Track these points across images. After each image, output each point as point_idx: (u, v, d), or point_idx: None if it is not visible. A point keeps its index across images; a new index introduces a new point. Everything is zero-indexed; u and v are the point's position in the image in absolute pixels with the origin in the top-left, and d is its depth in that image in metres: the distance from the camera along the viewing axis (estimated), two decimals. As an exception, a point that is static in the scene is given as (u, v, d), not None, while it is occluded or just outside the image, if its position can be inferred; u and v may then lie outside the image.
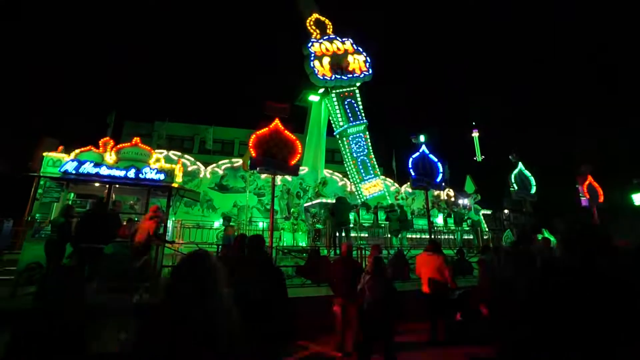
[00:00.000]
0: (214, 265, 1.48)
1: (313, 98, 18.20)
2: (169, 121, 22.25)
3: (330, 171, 18.26)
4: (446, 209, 16.64)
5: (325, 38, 17.31)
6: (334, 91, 16.65)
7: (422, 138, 10.57)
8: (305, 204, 14.65)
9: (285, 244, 11.71)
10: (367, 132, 16.91)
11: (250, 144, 8.09)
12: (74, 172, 8.09)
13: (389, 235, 12.53)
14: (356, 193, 16.31)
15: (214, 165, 15.52)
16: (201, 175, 14.92)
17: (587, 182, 13.97)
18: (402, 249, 10.43)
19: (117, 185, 8.76)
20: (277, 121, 8.47)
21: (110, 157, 8.47)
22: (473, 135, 41.88)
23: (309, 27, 17.63)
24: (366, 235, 12.98)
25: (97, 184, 8.65)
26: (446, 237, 14.57)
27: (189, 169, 14.70)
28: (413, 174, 9.96)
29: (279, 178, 15.10)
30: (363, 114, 16.89)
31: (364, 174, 16.34)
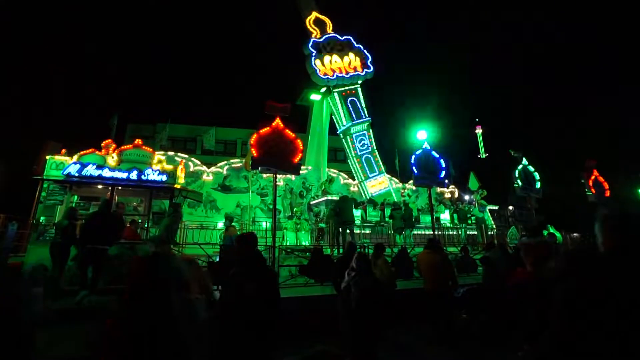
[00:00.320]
0: (176, 267, 1.40)
1: (315, 97, 18.19)
2: (171, 123, 22.33)
3: (333, 170, 18.24)
4: (452, 205, 16.53)
5: (325, 37, 17.27)
6: (336, 90, 16.61)
7: (424, 135, 10.49)
8: (312, 202, 14.65)
9: (288, 244, 11.69)
10: (371, 130, 16.87)
11: (252, 144, 8.08)
12: (76, 174, 8.13)
13: (392, 232, 12.46)
14: (361, 190, 16.28)
15: (217, 165, 15.57)
16: (204, 177, 14.97)
17: (592, 177, 13.80)
18: (405, 247, 10.37)
19: (120, 187, 8.80)
20: (278, 120, 8.45)
21: (112, 159, 8.50)
22: (477, 131, 41.55)
23: (309, 26, 17.60)
24: (369, 232, 12.92)
25: (100, 186, 8.69)
26: (450, 232, 14.47)
27: (192, 169, 14.77)
28: (416, 171, 9.88)
29: (281, 177, 15.13)
30: (366, 112, 16.85)
31: (368, 172, 16.32)
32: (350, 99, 16.76)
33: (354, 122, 16.50)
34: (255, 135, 8.13)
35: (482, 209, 16.51)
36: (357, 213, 12.01)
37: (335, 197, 13.25)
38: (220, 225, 12.78)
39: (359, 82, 17.13)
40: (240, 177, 15.43)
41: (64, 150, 8.59)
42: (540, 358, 1.43)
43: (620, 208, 1.60)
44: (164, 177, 8.74)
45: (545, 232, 13.81)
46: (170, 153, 14.73)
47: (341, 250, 9.61)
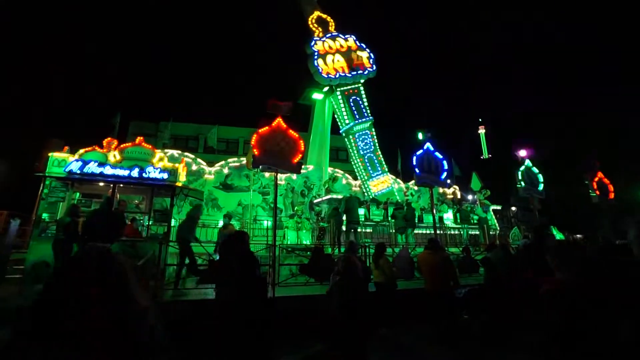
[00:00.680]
0: (120, 266, 1.20)
1: (317, 96, 18.15)
2: (173, 121, 22.40)
3: (335, 169, 18.22)
4: (454, 205, 16.47)
5: (327, 36, 17.21)
6: (338, 89, 16.56)
7: (423, 135, 10.43)
8: (315, 200, 14.65)
9: (289, 242, 11.69)
10: (373, 129, 16.81)
11: (253, 142, 8.07)
12: (78, 171, 8.16)
13: (393, 231, 12.43)
14: (364, 190, 16.24)
15: (219, 164, 15.59)
16: (206, 175, 14.99)
17: (596, 178, 13.68)
18: (407, 247, 10.33)
19: (121, 185, 8.82)
20: (279, 120, 8.44)
21: (114, 157, 8.52)
22: (480, 132, 41.36)
23: (311, 25, 17.55)
24: (370, 230, 12.89)
25: (101, 184, 8.71)
26: (452, 232, 14.41)
27: (194, 168, 14.79)
28: (417, 171, 9.83)
29: (283, 176, 15.12)
30: (369, 111, 16.79)
31: (371, 171, 16.27)
32: (352, 98, 16.70)
33: (356, 122, 16.45)
34: (255, 135, 8.12)
35: (486, 209, 16.42)
36: (360, 212, 12.03)
37: (338, 196, 13.26)
38: (222, 223, 12.83)
39: (362, 81, 17.07)
40: (242, 175, 15.44)
41: (66, 148, 8.62)
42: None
43: None
44: (165, 175, 8.75)
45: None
46: (175, 153, 14.75)
47: (342, 250, 9.59)
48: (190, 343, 3.52)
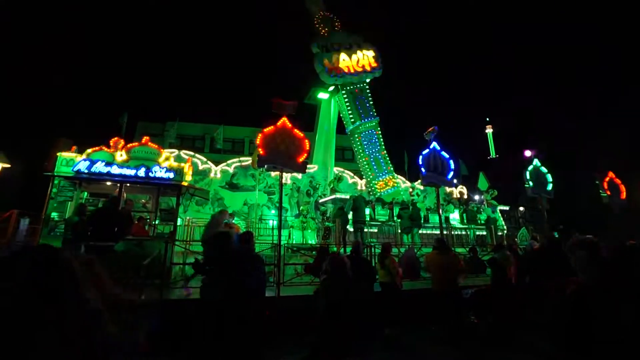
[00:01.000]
0: (68, 268, 1.06)
1: (322, 96, 18.10)
2: (180, 121, 22.57)
3: (341, 169, 18.16)
4: (461, 205, 16.31)
5: (333, 35, 17.16)
6: (344, 88, 16.50)
7: (428, 135, 10.34)
8: (320, 200, 14.63)
9: (294, 242, 11.69)
10: (379, 129, 16.71)
11: (258, 142, 8.07)
12: (86, 171, 8.25)
13: (399, 231, 12.35)
14: (369, 190, 16.17)
15: (224, 163, 15.66)
16: (212, 174, 15.07)
17: (607, 178, 13.41)
18: (413, 246, 10.26)
19: (128, 184, 8.89)
20: (284, 119, 8.43)
21: (120, 156, 8.60)
22: (487, 131, 40.91)
23: (317, 24, 17.52)
24: (375, 231, 12.84)
25: (108, 183, 8.80)
26: (459, 232, 14.27)
27: (200, 167, 14.88)
28: (423, 170, 9.75)
29: (288, 176, 15.12)
30: (374, 111, 16.70)
31: (377, 171, 16.16)
32: (358, 97, 16.62)
33: (362, 121, 16.37)
34: (260, 134, 8.13)
35: (493, 209, 16.24)
36: (365, 212, 11.99)
37: (343, 196, 13.24)
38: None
39: (367, 80, 16.98)
40: (248, 175, 15.48)
41: (74, 147, 8.73)
42: None
43: None
44: (171, 175, 8.81)
45: (556, 234, 13.52)
46: (182, 153, 14.86)
47: (348, 250, 9.56)
48: (190, 343, 3.53)
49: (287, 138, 8.33)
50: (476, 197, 18.60)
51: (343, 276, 3.29)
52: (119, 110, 13.04)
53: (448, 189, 18.09)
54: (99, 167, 8.30)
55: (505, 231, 15.86)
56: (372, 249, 8.69)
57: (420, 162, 9.89)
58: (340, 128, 17.67)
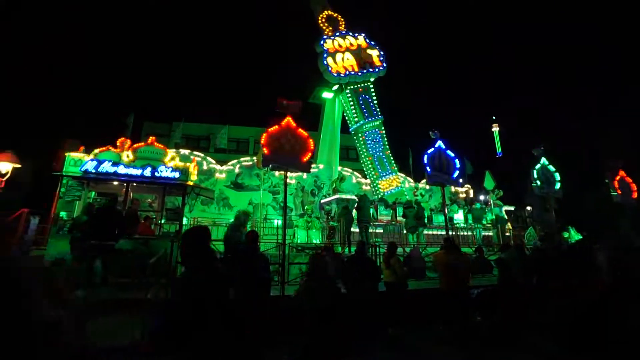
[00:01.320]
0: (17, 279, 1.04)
1: (327, 95, 18.10)
2: (185, 121, 22.74)
3: (346, 169, 18.14)
4: (466, 205, 16.16)
5: (337, 34, 17.14)
6: (348, 87, 16.47)
7: (437, 133, 10.25)
8: (322, 200, 14.63)
9: (299, 241, 11.70)
10: (383, 128, 16.64)
11: (262, 142, 8.10)
12: (93, 171, 8.37)
13: (405, 232, 12.29)
14: (373, 189, 16.11)
15: (229, 163, 15.76)
16: (217, 174, 15.17)
17: (618, 177, 13.18)
18: (418, 246, 10.20)
19: (135, 184, 8.99)
20: (288, 118, 8.44)
21: (127, 157, 8.70)
22: (493, 129, 40.47)
23: (321, 24, 17.51)
24: (381, 231, 12.79)
25: (115, 183, 8.91)
26: (465, 233, 14.14)
27: (205, 167, 14.99)
28: (428, 170, 9.68)
29: (293, 176, 15.14)
30: (378, 110, 16.63)
31: (380, 171, 16.09)
32: (362, 96, 16.57)
33: (366, 120, 16.30)
34: (265, 134, 8.15)
35: (500, 209, 16.07)
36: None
37: (346, 196, 13.22)
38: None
39: (372, 79, 16.91)
40: (253, 175, 15.56)
41: (82, 148, 8.86)
42: None
43: None
44: (176, 174, 8.89)
45: (565, 234, 13.32)
46: (185, 152, 14.99)
47: (353, 249, 9.54)
48: (195, 342, 3.54)
49: (292, 137, 8.34)
50: (481, 197, 18.42)
51: (326, 278, 3.12)
52: (126, 111, 13.17)
53: (454, 189, 17.97)
54: (106, 167, 8.41)
55: (511, 230, 15.68)
56: (377, 249, 8.66)
57: (425, 161, 9.83)
58: (345, 127, 17.64)
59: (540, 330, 4.87)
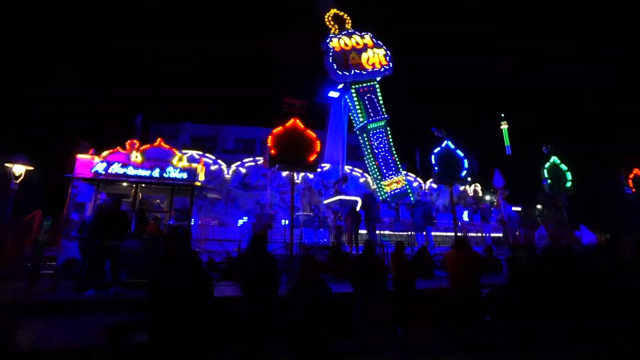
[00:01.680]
0: None
1: (333, 94, 18.06)
2: (192, 122, 22.94)
3: (356, 169, 18.10)
4: (472, 204, 15.99)
5: (344, 33, 17.09)
6: (353, 86, 16.41)
7: (442, 132, 10.17)
8: (325, 201, 14.62)
9: (306, 241, 11.72)
10: (388, 128, 16.51)
11: (269, 142, 8.15)
12: (103, 172, 8.50)
13: (412, 232, 12.20)
14: (377, 189, 16.04)
15: (236, 164, 15.86)
16: (224, 174, 15.28)
17: (632, 175, 12.91)
18: (425, 245, 10.13)
19: (143, 185, 9.10)
20: (295, 118, 8.48)
21: (136, 158, 8.81)
22: (502, 127, 39.89)
23: (327, 23, 17.47)
24: (389, 232, 12.73)
25: (124, 184, 9.03)
26: (473, 234, 13.98)
27: (212, 168, 15.11)
28: (436, 168, 9.61)
29: (300, 175, 15.17)
30: (384, 110, 16.50)
31: (385, 170, 16.00)
32: (367, 96, 16.48)
33: (370, 120, 16.20)
34: (271, 134, 8.20)
35: (508, 208, 15.83)
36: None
37: (348, 197, 13.24)
38: (241, 222, 13.04)
39: (378, 79, 16.82)
40: (260, 174, 15.62)
41: (91, 150, 9.00)
42: None
43: None
44: (184, 175, 8.97)
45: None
46: (195, 154, 15.12)
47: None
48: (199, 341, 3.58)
49: (298, 137, 8.37)
50: (487, 197, 18.19)
51: (316, 279, 2.97)
52: (134, 112, 13.34)
53: (461, 188, 17.78)
54: (116, 168, 8.53)
55: (519, 230, 15.45)
56: (385, 248, 8.62)
57: (433, 160, 9.76)
58: (352, 126, 17.59)
59: (553, 329, 4.79)
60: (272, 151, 8.12)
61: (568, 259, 5.42)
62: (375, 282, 5.51)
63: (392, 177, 15.92)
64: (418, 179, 18.99)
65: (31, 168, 9.79)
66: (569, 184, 12.22)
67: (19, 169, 9.38)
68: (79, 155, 8.79)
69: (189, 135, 22.25)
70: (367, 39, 17.20)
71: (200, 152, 15.47)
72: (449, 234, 12.64)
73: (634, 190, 12.63)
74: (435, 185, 17.57)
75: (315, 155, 8.37)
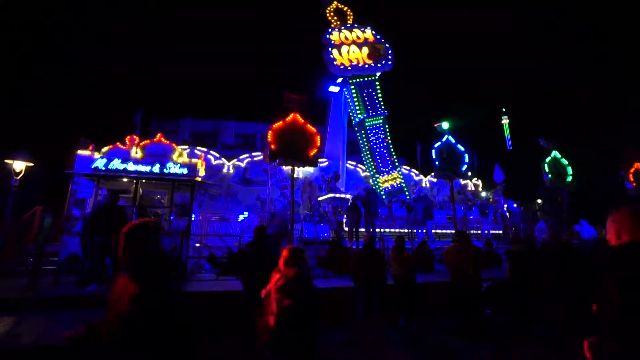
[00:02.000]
0: None
1: (333, 89, 17.94)
2: (192, 118, 22.87)
3: (354, 162, 18.07)
4: (469, 201, 16.01)
5: (344, 27, 16.93)
6: (352, 81, 16.28)
7: (445, 125, 10.12)
8: (320, 198, 14.61)
9: (307, 236, 11.76)
10: (387, 125, 16.36)
11: (269, 137, 8.12)
12: (103, 168, 8.51)
13: (411, 229, 12.22)
14: (372, 184, 16.03)
15: (237, 159, 15.85)
16: (224, 170, 15.28)
17: (632, 169, 12.87)
18: (426, 240, 10.16)
19: (144, 180, 9.11)
20: (295, 113, 8.44)
21: (136, 153, 8.80)
22: (503, 122, 39.75)
23: (329, 16, 17.31)
24: (388, 230, 12.77)
25: (125, 179, 9.03)
26: (475, 232, 14.00)
27: (213, 163, 15.10)
28: (437, 163, 9.59)
29: (301, 170, 15.14)
30: (383, 106, 16.31)
31: (381, 166, 15.87)
32: (366, 91, 16.32)
33: (368, 115, 16.04)
34: (271, 129, 8.17)
35: (509, 204, 15.85)
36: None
37: (340, 195, 13.26)
38: (241, 217, 13.08)
39: (377, 74, 16.67)
40: (260, 170, 15.62)
41: (91, 146, 8.99)
42: None
43: None
44: (185, 170, 8.98)
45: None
46: (195, 150, 15.11)
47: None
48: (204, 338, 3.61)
49: (298, 132, 8.34)
50: (482, 194, 18.20)
51: (303, 273, 2.82)
52: (134, 108, 13.30)
53: (462, 182, 17.77)
54: (116, 164, 8.53)
55: (518, 225, 15.49)
56: (385, 243, 8.65)
57: (434, 155, 9.74)
58: (352, 122, 17.51)
59: (552, 323, 4.82)
60: (272, 146, 8.10)
61: (568, 254, 5.42)
62: (376, 275, 5.55)
63: (389, 174, 15.84)
64: (417, 172, 18.97)
65: (31, 164, 9.80)
66: (569, 179, 12.20)
67: (19, 165, 9.38)
68: (79, 151, 8.79)
69: (189, 131, 22.19)
70: (368, 33, 17.04)
71: (205, 149, 15.43)
72: (446, 231, 12.73)
73: (634, 184, 12.61)
74: (435, 180, 17.56)
75: (315, 150, 8.34)
